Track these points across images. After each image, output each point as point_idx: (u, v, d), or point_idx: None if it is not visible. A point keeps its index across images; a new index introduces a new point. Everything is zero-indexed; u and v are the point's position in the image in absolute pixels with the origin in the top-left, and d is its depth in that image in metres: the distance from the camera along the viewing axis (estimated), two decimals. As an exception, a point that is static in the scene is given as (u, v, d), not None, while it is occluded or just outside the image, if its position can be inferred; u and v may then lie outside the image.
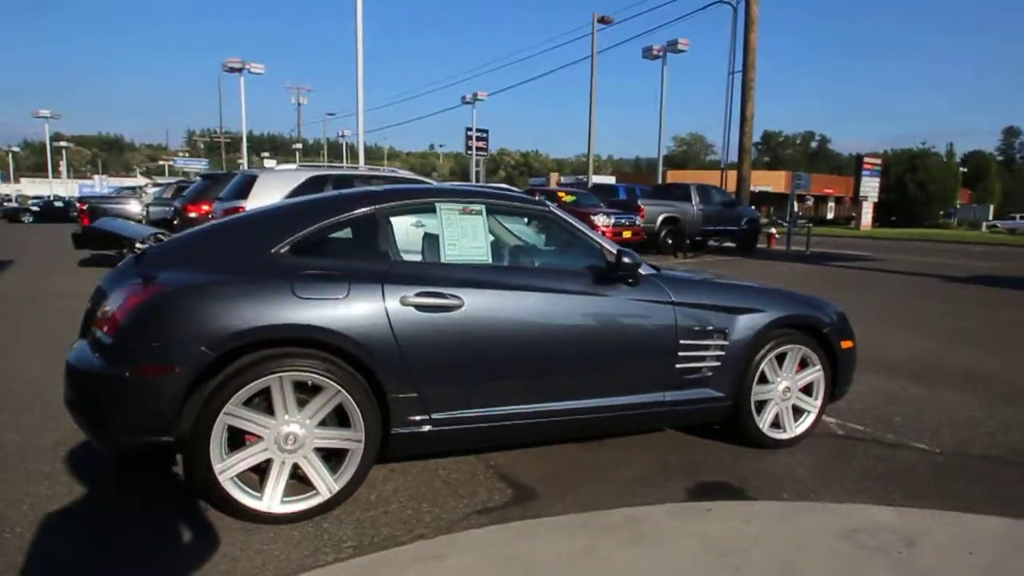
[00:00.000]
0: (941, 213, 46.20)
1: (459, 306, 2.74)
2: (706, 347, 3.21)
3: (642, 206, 15.87)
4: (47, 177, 65.34)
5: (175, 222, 11.04)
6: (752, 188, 24.24)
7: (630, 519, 2.57)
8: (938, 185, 43.95)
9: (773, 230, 20.76)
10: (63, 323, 6.19)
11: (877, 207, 39.36)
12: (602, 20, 29.37)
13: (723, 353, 3.24)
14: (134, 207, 14.46)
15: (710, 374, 3.23)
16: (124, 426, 2.42)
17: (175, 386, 2.36)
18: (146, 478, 2.92)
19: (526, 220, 3.61)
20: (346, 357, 2.56)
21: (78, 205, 16.02)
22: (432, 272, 2.81)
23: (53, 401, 3.72)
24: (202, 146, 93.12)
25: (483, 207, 3.07)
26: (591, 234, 3.26)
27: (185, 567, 2.24)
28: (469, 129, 34.63)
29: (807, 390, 3.53)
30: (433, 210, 2.99)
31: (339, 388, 2.53)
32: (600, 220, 13.96)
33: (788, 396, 3.46)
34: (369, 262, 2.78)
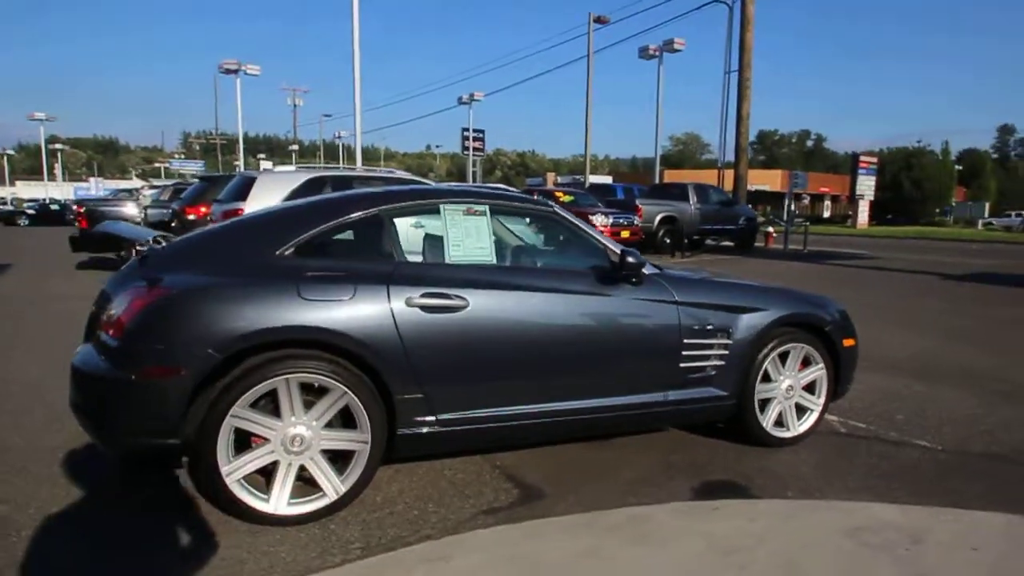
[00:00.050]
0: (937, 211, 46.43)
1: (464, 307, 2.74)
2: (710, 346, 3.22)
3: (640, 206, 15.90)
4: (42, 180, 65.13)
5: (173, 224, 11.03)
6: (748, 187, 24.30)
7: (635, 518, 2.57)
8: (934, 183, 44.16)
9: (770, 229, 20.81)
10: (61, 326, 6.19)
11: (873, 205, 39.51)
12: (598, 20, 29.38)
13: (726, 352, 3.25)
14: (131, 209, 14.42)
15: (714, 373, 3.24)
16: (130, 429, 2.42)
17: (181, 389, 2.36)
18: (150, 480, 2.91)
19: (528, 220, 3.62)
20: (352, 358, 2.56)
21: (75, 208, 15.99)
22: (437, 273, 2.82)
23: (54, 403, 3.72)
24: (198, 148, 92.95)
25: (487, 208, 3.07)
26: (594, 234, 3.27)
27: (192, 569, 2.24)
28: (465, 129, 34.63)
29: (810, 388, 3.55)
30: (437, 211, 2.99)
31: (345, 390, 2.53)
32: (598, 220, 13.97)
33: (791, 394, 3.47)
34: (374, 263, 2.78)
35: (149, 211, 13.97)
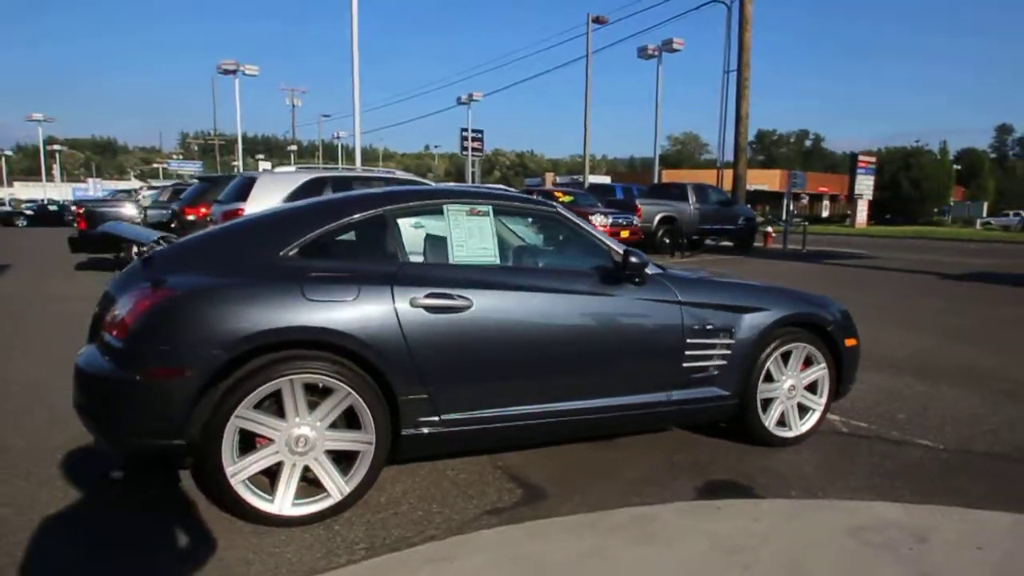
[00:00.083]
0: (935, 210, 46.51)
1: (468, 307, 2.74)
2: (712, 346, 3.22)
3: (639, 206, 15.91)
4: (40, 181, 65.03)
5: (173, 225, 11.01)
6: (747, 187, 24.32)
7: (640, 518, 2.58)
8: (932, 183, 44.24)
9: (770, 229, 20.83)
10: (60, 326, 6.18)
11: (872, 205, 39.58)
12: (597, 20, 29.39)
13: (729, 352, 3.25)
14: (130, 210, 14.41)
15: (716, 373, 3.24)
16: (134, 430, 2.41)
17: (186, 389, 2.36)
18: (155, 481, 2.91)
19: (532, 221, 3.62)
20: (356, 359, 2.56)
21: (75, 209, 15.95)
22: (441, 273, 2.82)
23: (54, 404, 3.72)
24: (196, 148, 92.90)
25: (490, 208, 3.07)
26: (597, 234, 3.28)
27: (197, 570, 2.23)
28: (464, 130, 34.64)
29: (812, 388, 3.55)
30: (441, 211, 2.99)
31: (350, 390, 2.53)
32: (598, 220, 13.98)
33: (793, 394, 3.47)
34: (378, 264, 2.78)
35: (149, 212, 13.95)
